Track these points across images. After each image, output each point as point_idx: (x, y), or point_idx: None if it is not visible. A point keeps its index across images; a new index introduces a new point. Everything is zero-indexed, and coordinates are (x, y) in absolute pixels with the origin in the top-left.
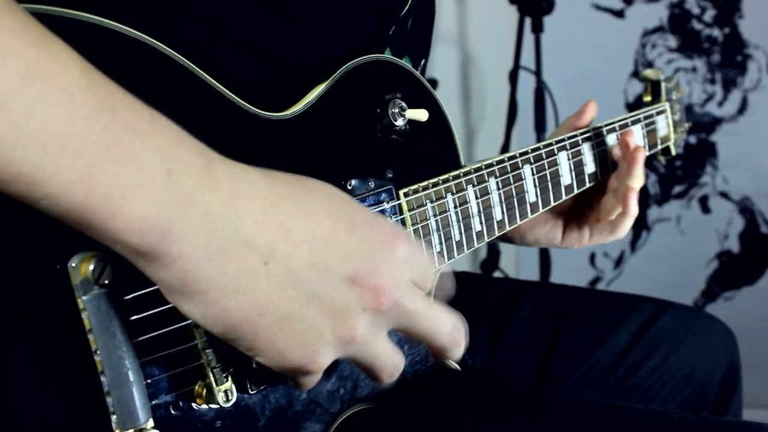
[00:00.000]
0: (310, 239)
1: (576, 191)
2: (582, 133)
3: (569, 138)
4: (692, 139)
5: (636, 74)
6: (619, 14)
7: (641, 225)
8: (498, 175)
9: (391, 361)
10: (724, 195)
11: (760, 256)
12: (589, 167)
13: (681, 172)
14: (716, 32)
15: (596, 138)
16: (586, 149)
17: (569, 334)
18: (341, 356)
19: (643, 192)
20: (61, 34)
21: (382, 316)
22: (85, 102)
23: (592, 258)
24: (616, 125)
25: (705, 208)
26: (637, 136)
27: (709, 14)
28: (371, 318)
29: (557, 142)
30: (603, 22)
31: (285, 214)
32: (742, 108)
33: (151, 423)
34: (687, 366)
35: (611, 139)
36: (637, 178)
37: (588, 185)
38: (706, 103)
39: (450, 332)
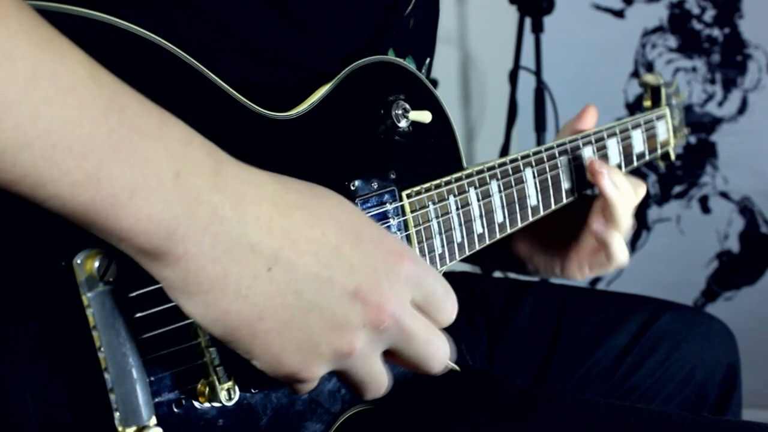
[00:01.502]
0: (315, 250)
1: (576, 195)
2: (583, 137)
3: (570, 141)
4: (692, 139)
5: (636, 74)
6: (619, 14)
7: (641, 225)
8: (500, 177)
9: (379, 382)
10: (724, 195)
11: (760, 256)
12: None
13: (681, 172)
14: (716, 32)
15: (597, 142)
16: (587, 153)
17: (569, 334)
18: (335, 368)
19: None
20: (67, 31)
21: (380, 334)
22: (92, 103)
23: None
24: (617, 129)
25: (705, 208)
26: (637, 141)
27: (709, 14)
28: (370, 334)
29: (558, 145)
30: (603, 22)
31: (291, 222)
32: (742, 108)
33: (153, 420)
34: (687, 366)
35: (612, 144)
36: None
37: (587, 190)
38: (706, 103)
39: (441, 359)
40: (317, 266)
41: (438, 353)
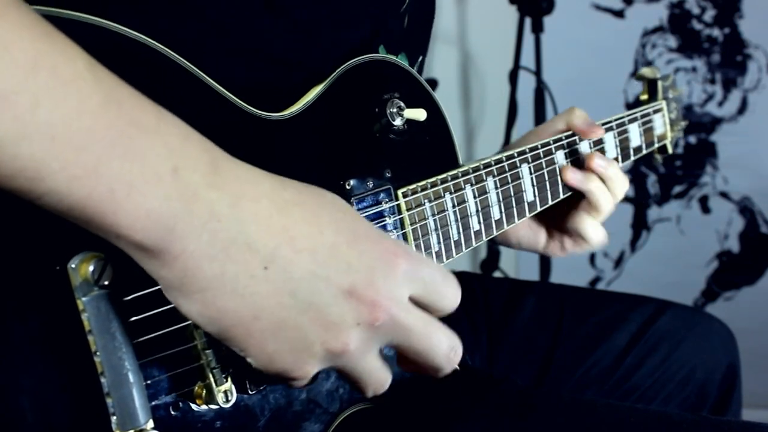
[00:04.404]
0: (312, 248)
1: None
2: None
3: (567, 137)
4: (692, 139)
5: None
6: (619, 14)
7: (641, 225)
8: (496, 174)
9: (377, 378)
10: (724, 195)
11: (760, 256)
12: None
13: (681, 172)
14: (716, 32)
15: None
16: (584, 148)
17: (569, 334)
18: (329, 367)
19: (643, 192)
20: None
21: (375, 332)
22: (91, 96)
23: (592, 258)
24: (614, 124)
25: (705, 208)
26: (633, 134)
27: (709, 14)
28: (364, 333)
29: (555, 141)
30: (603, 22)
31: (290, 220)
32: (742, 108)
33: (151, 424)
34: (687, 366)
35: (609, 138)
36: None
37: None
38: (706, 103)
39: (446, 353)
40: (314, 265)
41: (441, 346)
